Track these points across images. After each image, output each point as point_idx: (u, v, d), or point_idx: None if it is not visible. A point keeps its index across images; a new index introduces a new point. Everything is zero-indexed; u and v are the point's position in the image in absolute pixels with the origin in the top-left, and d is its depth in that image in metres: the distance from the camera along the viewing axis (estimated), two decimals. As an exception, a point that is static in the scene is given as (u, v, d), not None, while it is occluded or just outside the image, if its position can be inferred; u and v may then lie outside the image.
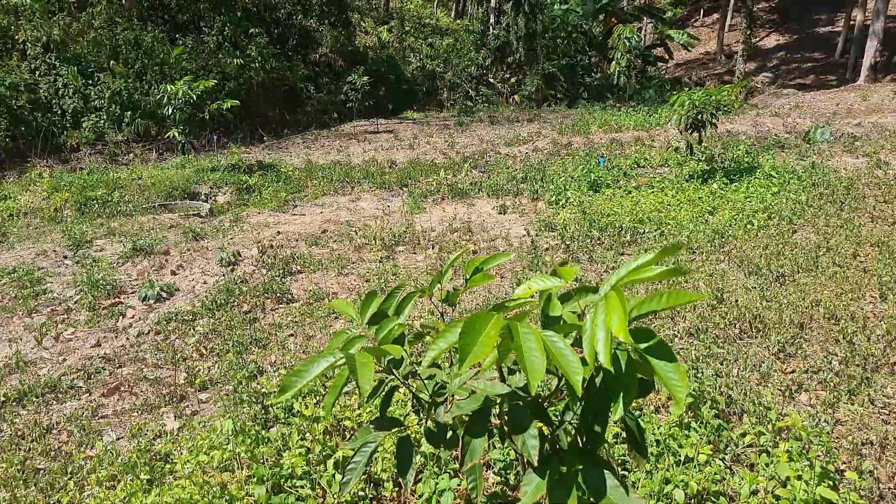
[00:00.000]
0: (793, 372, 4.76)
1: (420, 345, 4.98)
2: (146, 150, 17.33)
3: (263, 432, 4.17)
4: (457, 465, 3.64)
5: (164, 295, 7.03)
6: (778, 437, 3.86)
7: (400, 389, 4.29)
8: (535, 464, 2.01)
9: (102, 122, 17.61)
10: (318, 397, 4.52)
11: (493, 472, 3.72)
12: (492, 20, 30.85)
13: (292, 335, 6.01)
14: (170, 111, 14.80)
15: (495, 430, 2.54)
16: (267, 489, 3.46)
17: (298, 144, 20.08)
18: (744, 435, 3.89)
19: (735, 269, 6.77)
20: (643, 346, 1.78)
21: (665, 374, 1.72)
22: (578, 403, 2.10)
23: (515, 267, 7.38)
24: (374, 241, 8.69)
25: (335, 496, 3.42)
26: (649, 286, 6.35)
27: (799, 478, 3.35)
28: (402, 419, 4.03)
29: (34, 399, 4.92)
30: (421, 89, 29.91)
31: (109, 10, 20.38)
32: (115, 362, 5.53)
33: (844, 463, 3.73)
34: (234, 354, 5.41)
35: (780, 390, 4.49)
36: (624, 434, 3.89)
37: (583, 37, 29.70)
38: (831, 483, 3.37)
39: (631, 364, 1.84)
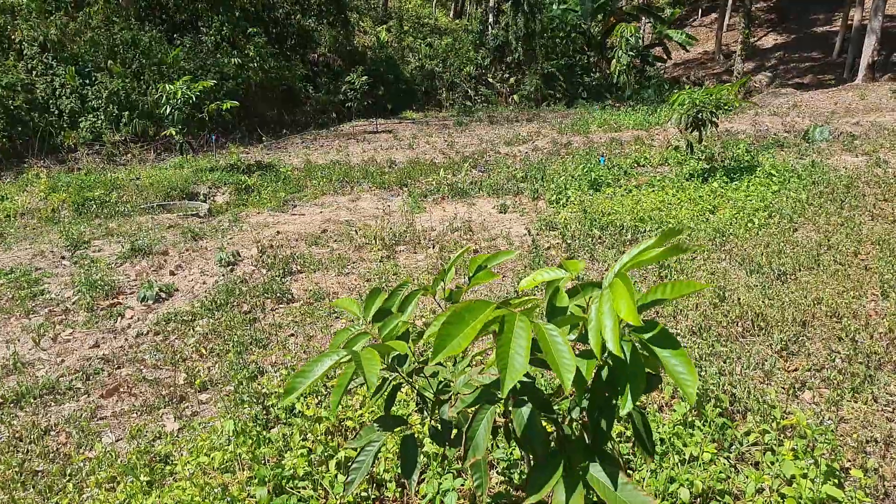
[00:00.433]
0: (796, 370, 4.74)
1: (423, 343, 4.95)
2: (144, 151, 17.29)
3: (265, 433, 4.14)
4: (461, 465, 3.61)
5: (163, 295, 6.99)
6: (782, 436, 3.84)
7: (403, 388, 4.27)
8: (541, 460, 1.98)
9: (100, 122, 17.57)
10: (319, 397, 4.49)
11: (497, 472, 3.69)
12: (490, 20, 30.84)
13: (293, 335, 5.97)
14: (168, 111, 14.75)
15: (499, 429, 2.52)
16: (268, 490, 3.43)
17: (297, 144, 20.05)
18: (748, 433, 3.86)
19: (736, 268, 6.75)
20: (648, 335, 1.76)
21: (672, 366, 1.69)
22: (584, 398, 2.08)
23: (517, 266, 7.36)
24: (374, 241, 8.66)
25: (338, 497, 3.39)
26: (651, 282, 6.33)
27: (805, 476, 3.33)
28: (405, 418, 4.01)
29: (32, 400, 4.88)
30: (420, 89, 29.89)
31: (107, 9, 20.33)
32: (114, 363, 5.50)
33: (849, 461, 3.71)
34: (234, 355, 5.37)
35: (784, 388, 4.47)
36: (628, 432, 3.87)
37: (581, 37, 29.70)
38: (837, 481, 3.35)
39: (637, 355, 1.82)
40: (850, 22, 27.56)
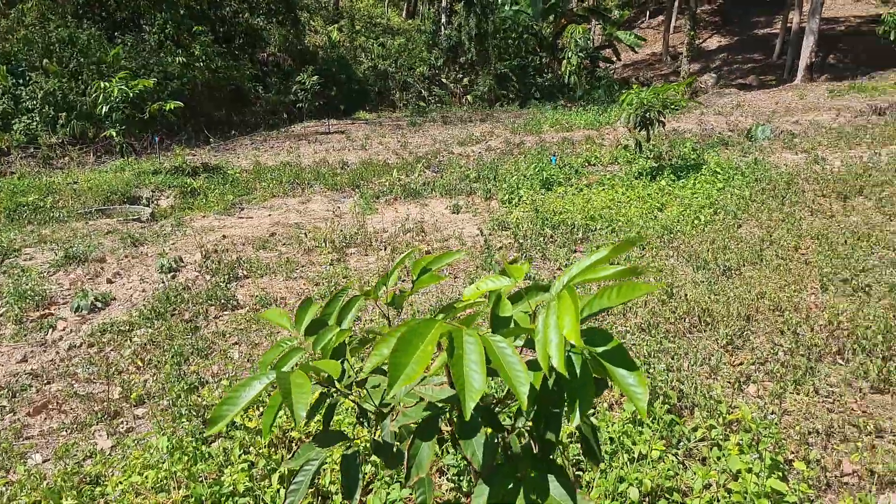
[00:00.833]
0: (741, 364, 4.81)
1: (367, 349, 4.82)
2: (83, 153, 16.57)
3: (203, 448, 3.95)
4: (404, 484, 3.50)
5: (99, 305, 6.66)
6: (728, 430, 3.87)
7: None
8: (483, 473, 1.90)
9: (35, 123, 16.77)
10: (262, 408, 4.32)
11: (447, 479, 3.61)
12: (443, 20, 30.81)
13: (237, 343, 5.76)
14: (106, 110, 14.16)
15: (447, 437, 2.42)
16: (205, 509, 3.26)
17: (246, 146, 19.60)
18: (696, 429, 3.88)
19: (684, 264, 6.84)
20: (600, 350, 1.69)
21: (625, 382, 1.62)
22: (531, 408, 2.01)
23: (469, 267, 7.29)
24: (324, 244, 8.47)
25: (278, 513, 3.24)
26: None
27: (749, 470, 3.35)
28: (348, 431, 3.87)
29: (-49, 421, 4.55)
30: (373, 89, 29.64)
31: (41, 6, 19.45)
32: (43, 378, 5.18)
33: (793, 453, 3.76)
34: (172, 366, 5.13)
35: (730, 383, 4.52)
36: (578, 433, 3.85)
37: (533, 37, 29.96)
38: (781, 474, 3.38)
39: (586, 368, 1.74)
40: (789, 24, 28.59)
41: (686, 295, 5.76)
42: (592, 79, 27.99)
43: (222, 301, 6.70)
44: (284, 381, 1.78)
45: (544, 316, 1.64)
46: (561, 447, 3.68)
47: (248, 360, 5.34)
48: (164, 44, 21.95)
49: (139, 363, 5.34)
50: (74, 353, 5.63)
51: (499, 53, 29.02)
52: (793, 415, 4.15)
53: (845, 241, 6.88)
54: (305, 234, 8.96)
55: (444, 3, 30.61)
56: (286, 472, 3.53)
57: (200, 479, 3.53)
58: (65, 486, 3.55)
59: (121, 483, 3.51)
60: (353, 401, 2.38)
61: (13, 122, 16.50)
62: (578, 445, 3.86)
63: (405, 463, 1.95)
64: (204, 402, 4.50)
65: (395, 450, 2.26)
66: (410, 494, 3.35)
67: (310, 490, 3.63)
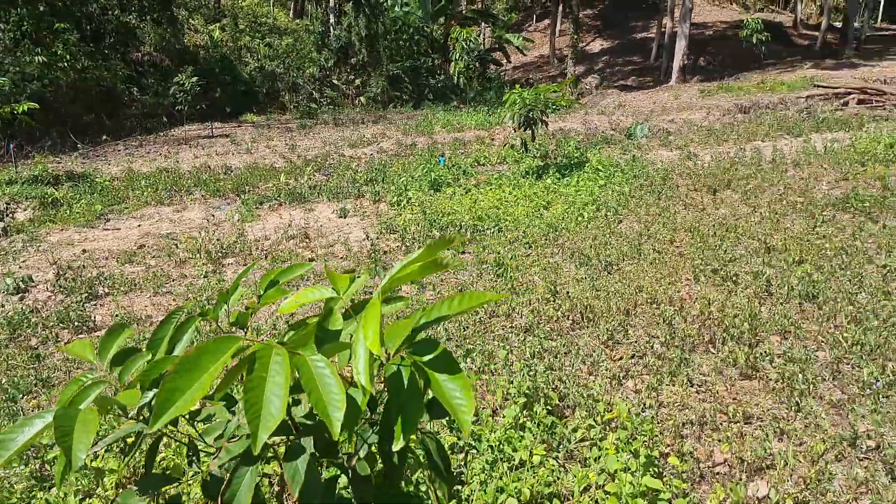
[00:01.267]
0: (620, 359, 4.85)
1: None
2: (-79, 163, 14.68)
3: (40, 494, 3.44)
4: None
5: (-76, 336, 5.78)
6: (607, 429, 3.85)
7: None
8: (303, 501, 1.66)
9: None
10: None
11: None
12: (332, 20, 30.16)
13: (92, 370, 5.15)
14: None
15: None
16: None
17: (119, 151, 18.20)
18: (575, 430, 3.83)
19: (568, 261, 6.91)
20: (426, 358, 1.50)
21: (447, 390, 1.44)
22: (370, 431, 1.80)
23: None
24: (198, 255, 7.88)
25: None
26: (486, 283, 6.28)
27: (626, 469, 3.32)
28: (170, 475, 3.49)
29: None
30: (261, 91, 28.51)
31: None
32: None
33: (668, 446, 3.79)
34: (6, 401, 4.49)
35: (609, 379, 4.54)
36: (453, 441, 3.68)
37: (425, 39, 30.01)
38: (657, 470, 3.38)
39: (414, 381, 1.55)
40: (664, 29, 30.39)
41: (568, 293, 5.78)
42: (483, 80, 28.41)
43: (76, 323, 6.02)
44: (67, 419, 1.45)
45: (355, 329, 1.44)
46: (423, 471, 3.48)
47: (100, 390, 4.77)
48: (21, 42, 19.93)
49: (-35, 402, 4.64)
50: None
51: (390, 54, 28.82)
52: (668, 407, 4.20)
53: (714, 233, 7.22)
54: (178, 244, 8.31)
55: (332, 3, 29.96)
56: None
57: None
58: None
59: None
60: (171, 437, 2.07)
61: None
62: (460, 456, 3.71)
63: (220, 495, 1.67)
64: (44, 441, 3.94)
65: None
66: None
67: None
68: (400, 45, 29.74)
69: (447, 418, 3.70)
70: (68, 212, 11.19)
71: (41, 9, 21.16)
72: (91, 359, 2.00)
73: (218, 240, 8.33)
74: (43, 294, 6.84)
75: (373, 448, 1.91)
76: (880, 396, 4.07)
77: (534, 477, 3.41)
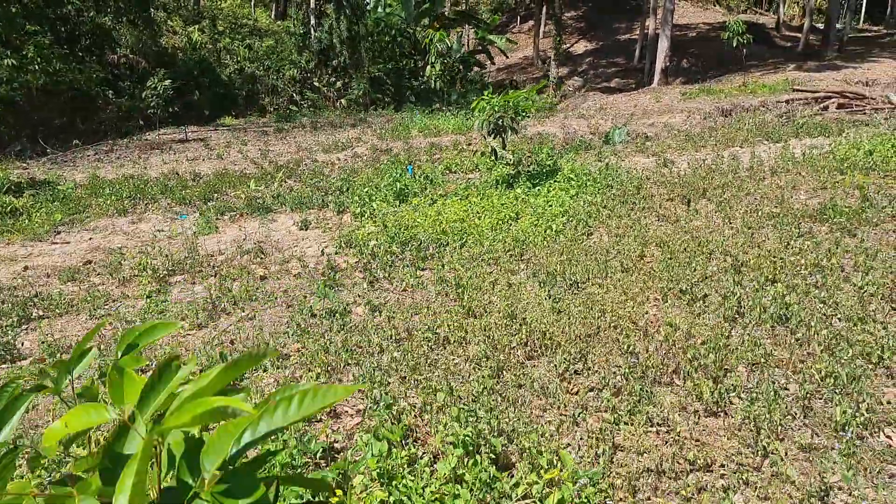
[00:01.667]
0: (577, 393, 4.48)
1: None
2: None
3: None
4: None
5: None
6: (552, 485, 3.47)
7: None
8: None
9: None
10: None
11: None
12: (313, 22, 29.67)
13: (4, 408, 4.71)
14: None
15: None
16: None
17: (89, 157, 17.70)
18: (517, 485, 3.45)
19: (532, 279, 6.54)
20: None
21: None
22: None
23: (303, 293, 6.58)
24: (145, 272, 7.44)
25: None
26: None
27: (568, 536, 2.95)
28: None
29: None
30: (240, 93, 28.00)
31: None
32: None
33: (621, 501, 3.43)
34: None
35: (563, 417, 4.16)
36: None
37: (407, 41, 29.60)
38: (602, 535, 3.01)
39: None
40: (646, 31, 30.16)
41: (525, 318, 5.40)
42: (466, 82, 28.04)
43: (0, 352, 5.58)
44: None
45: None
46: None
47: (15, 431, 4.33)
48: (-10, 44, 19.37)
49: None
50: None
51: (372, 56, 28.39)
52: (625, 451, 3.84)
53: (685, 249, 6.87)
54: (123, 260, 7.86)
55: (312, 5, 29.49)
56: None
57: None
58: None
59: None
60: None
61: None
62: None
63: None
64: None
65: None
66: None
67: None
68: (382, 47, 29.34)
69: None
70: (27, 221, 10.72)
71: (13, 10, 20.56)
72: None
73: (167, 256, 7.89)
74: (-30, 318, 6.38)
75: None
76: (855, 440, 3.73)
77: (465, 544, 3.03)
